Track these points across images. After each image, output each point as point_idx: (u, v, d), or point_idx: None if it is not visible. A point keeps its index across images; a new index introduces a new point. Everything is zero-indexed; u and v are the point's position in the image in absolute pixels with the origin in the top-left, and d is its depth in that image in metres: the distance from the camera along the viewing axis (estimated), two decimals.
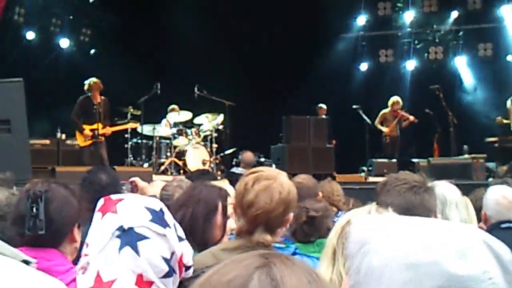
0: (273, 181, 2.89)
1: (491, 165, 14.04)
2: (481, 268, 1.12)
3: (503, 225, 4.60)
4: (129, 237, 2.15)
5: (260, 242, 2.88)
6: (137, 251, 2.14)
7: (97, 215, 2.24)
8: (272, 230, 2.91)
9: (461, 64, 18.65)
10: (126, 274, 2.13)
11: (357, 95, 17.13)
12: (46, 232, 2.60)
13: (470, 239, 1.16)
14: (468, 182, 11.01)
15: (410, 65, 18.86)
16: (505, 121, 14.34)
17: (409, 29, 18.58)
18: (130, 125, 13.61)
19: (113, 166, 13.04)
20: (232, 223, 3.42)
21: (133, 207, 2.23)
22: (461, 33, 18.32)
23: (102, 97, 12.85)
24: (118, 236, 2.16)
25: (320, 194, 5.90)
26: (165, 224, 2.21)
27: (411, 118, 15.13)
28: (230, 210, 3.39)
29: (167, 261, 2.18)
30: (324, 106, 16.04)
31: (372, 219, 1.31)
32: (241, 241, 2.95)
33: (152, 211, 2.22)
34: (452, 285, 1.11)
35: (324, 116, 15.38)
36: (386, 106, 15.43)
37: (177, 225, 2.31)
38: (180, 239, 2.26)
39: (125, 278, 2.13)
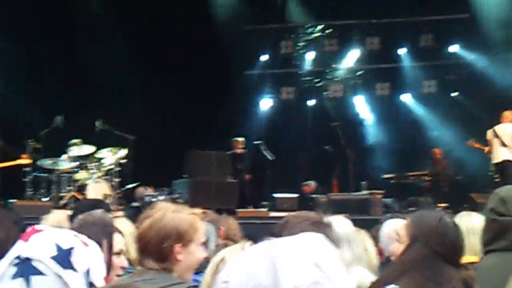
0: (155, 213, 3.09)
1: (389, 201, 14.41)
2: None
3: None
4: (25, 268, 2.04)
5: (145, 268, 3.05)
6: (29, 285, 2.03)
7: (19, 242, 2.14)
8: (159, 258, 3.03)
9: (360, 102, 19.20)
10: None
11: (260, 131, 17.37)
12: None
13: None
14: (366, 217, 11.37)
15: (311, 102, 19.26)
16: (476, 145, 14.02)
17: (310, 68, 18.97)
18: (20, 161, 13.25)
19: (11, 200, 12.75)
20: (123, 260, 3.42)
21: (44, 239, 2.11)
22: (360, 72, 18.84)
23: None
24: (15, 265, 2.05)
25: (222, 228, 5.96)
26: (68, 265, 2.09)
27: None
28: (120, 246, 3.40)
29: None
30: (240, 139, 15.49)
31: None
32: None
33: (59, 248, 2.10)
34: None
35: (240, 150, 15.26)
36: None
37: (94, 270, 2.15)
38: (92, 284, 2.12)
39: None
